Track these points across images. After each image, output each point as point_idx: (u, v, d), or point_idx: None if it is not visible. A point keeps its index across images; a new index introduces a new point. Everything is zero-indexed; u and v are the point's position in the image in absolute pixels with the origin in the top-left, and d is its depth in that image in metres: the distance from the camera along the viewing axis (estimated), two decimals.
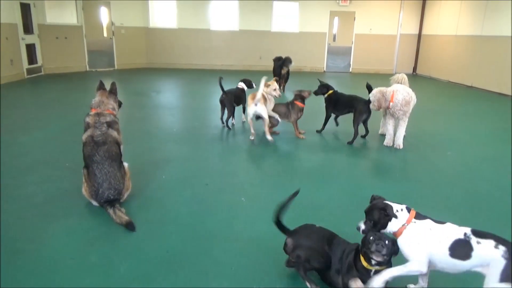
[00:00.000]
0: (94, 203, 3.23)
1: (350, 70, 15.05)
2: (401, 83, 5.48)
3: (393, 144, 5.28)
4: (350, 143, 5.37)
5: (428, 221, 2.13)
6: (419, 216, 2.16)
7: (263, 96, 5.20)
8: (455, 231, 2.06)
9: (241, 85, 6.25)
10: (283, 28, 14.62)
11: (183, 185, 3.84)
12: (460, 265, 2.02)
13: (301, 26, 14.58)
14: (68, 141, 5.21)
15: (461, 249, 2.00)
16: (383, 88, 5.11)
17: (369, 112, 5.36)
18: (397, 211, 2.17)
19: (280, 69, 9.54)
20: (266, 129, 5.31)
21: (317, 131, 5.93)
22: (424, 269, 2.08)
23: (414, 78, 13.76)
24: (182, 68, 14.47)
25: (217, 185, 3.87)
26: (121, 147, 3.42)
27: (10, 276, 2.38)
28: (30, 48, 11.34)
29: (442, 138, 5.90)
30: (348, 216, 3.26)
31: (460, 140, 5.84)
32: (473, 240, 1.99)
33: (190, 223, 3.09)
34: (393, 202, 2.24)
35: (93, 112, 3.34)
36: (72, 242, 2.78)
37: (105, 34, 13.45)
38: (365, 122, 5.55)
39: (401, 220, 2.15)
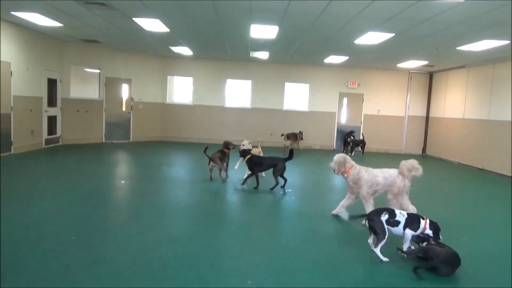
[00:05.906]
0: None
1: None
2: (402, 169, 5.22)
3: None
4: (272, 189, 7.23)
5: None
6: None
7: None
8: None
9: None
10: (294, 107, 15.22)
11: (188, 265, 3.72)
12: None
13: (311, 106, 15.15)
14: (76, 214, 5.22)
15: None
16: (348, 158, 5.39)
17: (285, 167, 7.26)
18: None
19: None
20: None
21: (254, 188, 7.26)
22: None
23: (424, 159, 13.81)
24: (194, 142, 14.85)
25: (223, 266, 3.75)
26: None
27: None
28: (52, 120, 11.88)
29: (456, 222, 5.74)
30: None
31: (474, 225, 5.66)
32: None
33: None
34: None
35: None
36: None
37: (123, 109, 14.11)
38: (282, 175, 7.26)
39: None
